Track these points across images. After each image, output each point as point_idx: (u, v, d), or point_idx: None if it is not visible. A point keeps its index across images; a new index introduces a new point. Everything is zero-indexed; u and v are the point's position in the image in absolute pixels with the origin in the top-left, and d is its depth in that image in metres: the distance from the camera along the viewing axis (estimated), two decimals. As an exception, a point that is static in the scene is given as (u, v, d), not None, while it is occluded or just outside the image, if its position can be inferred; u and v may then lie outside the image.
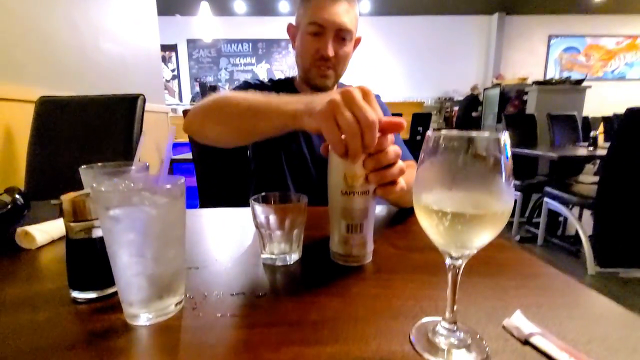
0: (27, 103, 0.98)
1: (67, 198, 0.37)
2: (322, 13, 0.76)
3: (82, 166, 0.45)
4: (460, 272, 0.29)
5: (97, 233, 0.38)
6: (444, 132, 0.26)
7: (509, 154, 0.24)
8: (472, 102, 6.17)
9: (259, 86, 0.89)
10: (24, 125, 0.93)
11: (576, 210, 2.49)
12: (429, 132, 0.26)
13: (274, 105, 0.49)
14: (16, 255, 0.51)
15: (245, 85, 0.88)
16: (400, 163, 0.41)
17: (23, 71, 1.09)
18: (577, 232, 2.16)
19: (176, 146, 2.89)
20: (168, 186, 0.32)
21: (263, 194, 0.51)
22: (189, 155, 2.42)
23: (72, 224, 0.37)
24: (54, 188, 0.89)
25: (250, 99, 0.54)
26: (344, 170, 0.42)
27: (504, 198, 0.24)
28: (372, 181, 0.41)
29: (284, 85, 0.92)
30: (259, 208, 0.46)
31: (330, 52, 0.78)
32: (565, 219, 2.72)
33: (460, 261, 0.28)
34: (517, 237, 2.59)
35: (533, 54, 6.88)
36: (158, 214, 0.32)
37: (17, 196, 0.59)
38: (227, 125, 0.59)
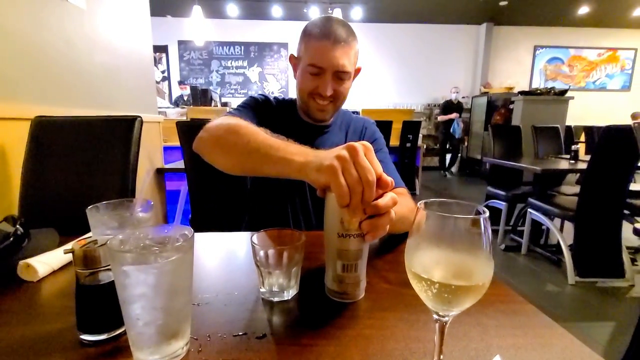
0: (21, 121, 0.97)
1: (78, 246, 0.39)
2: (321, 56, 0.78)
3: (88, 207, 0.47)
4: (447, 325, 0.32)
5: (106, 277, 0.40)
6: (432, 206, 0.29)
7: (489, 231, 0.27)
8: (447, 106, 6.18)
9: (264, 103, 0.91)
10: (18, 144, 0.93)
11: (558, 220, 2.59)
12: (420, 206, 0.29)
13: (281, 154, 0.52)
14: (19, 289, 0.52)
15: (252, 101, 0.90)
16: (392, 212, 0.45)
17: (16, 88, 1.08)
18: (559, 241, 2.25)
19: (166, 150, 2.86)
20: (179, 243, 0.34)
21: (262, 230, 0.53)
22: (180, 164, 2.42)
23: (82, 271, 0.39)
24: (50, 210, 0.89)
25: (259, 140, 0.56)
26: (341, 214, 0.45)
27: (484, 270, 0.28)
28: (364, 229, 0.44)
29: (287, 107, 0.94)
30: (258, 248, 0.49)
31: (329, 92, 0.81)
32: (548, 228, 2.82)
33: (446, 318, 0.31)
34: (502, 246, 2.67)
35: (519, 64, 7.07)
36: (169, 269, 0.34)
37: (17, 227, 0.60)
38: (234, 160, 0.62)
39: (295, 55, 0.87)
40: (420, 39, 6.91)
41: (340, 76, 0.81)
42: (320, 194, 0.49)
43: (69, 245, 0.40)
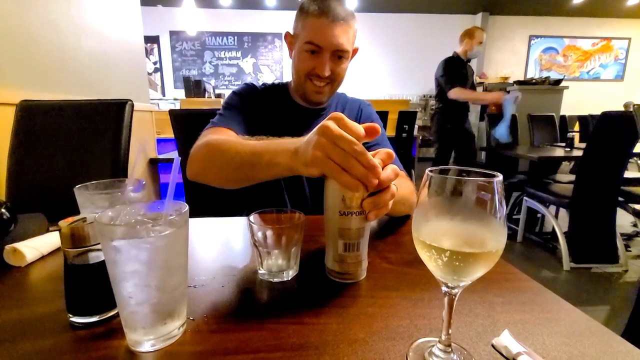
0: (6, 106, 0.94)
1: (65, 224, 0.36)
2: (319, 34, 0.75)
3: (77, 186, 0.45)
4: (456, 298, 0.31)
5: (96, 257, 0.38)
6: (442, 172, 0.27)
7: (503, 196, 0.26)
8: (456, 67, 2.88)
9: (249, 94, 0.87)
10: (4, 129, 0.89)
11: (553, 207, 2.61)
12: (428, 172, 0.28)
13: (267, 158, 0.51)
14: (5, 274, 0.50)
15: (233, 99, 0.86)
16: (393, 187, 0.43)
17: (1, 72, 1.04)
18: (554, 228, 2.26)
19: (160, 142, 2.81)
20: (172, 217, 0.32)
21: (260, 210, 0.52)
22: (175, 154, 2.38)
23: (70, 250, 0.37)
24: (38, 196, 0.86)
25: (241, 152, 0.56)
26: (343, 192, 0.43)
27: (497, 237, 0.26)
28: (366, 208, 0.42)
29: (278, 92, 0.91)
30: (257, 227, 0.47)
31: (327, 72, 0.78)
32: (543, 216, 2.84)
33: (456, 290, 0.30)
34: (498, 234, 2.68)
35: (515, 54, 7.05)
36: (162, 244, 0.32)
37: (3, 210, 0.57)
38: (229, 178, 0.62)
39: (292, 33, 0.84)
40: (415, 29, 6.85)
41: (339, 56, 0.79)
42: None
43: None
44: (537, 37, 7.01)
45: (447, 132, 2.88)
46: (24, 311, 0.41)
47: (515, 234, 2.61)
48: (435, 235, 0.27)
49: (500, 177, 0.26)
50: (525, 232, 2.59)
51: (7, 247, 0.52)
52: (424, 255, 0.29)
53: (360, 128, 0.41)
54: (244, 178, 0.59)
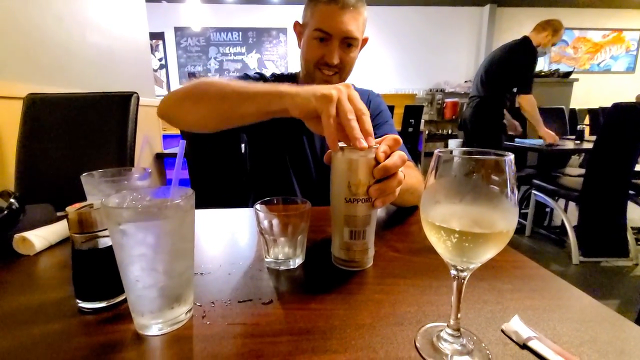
0: (13, 100, 0.95)
1: (72, 210, 0.37)
2: (329, 21, 0.74)
3: (84, 174, 0.45)
4: (465, 282, 0.31)
5: (103, 243, 0.38)
6: (452, 152, 0.27)
7: (514, 176, 0.25)
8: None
9: (259, 80, 0.87)
10: (11, 123, 0.90)
11: (562, 201, 2.57)
12: (437, 152, 0.27)
13: (259, 89, 0.51)
14: (15, 262, 0.51)
15: (245, 77, 0.85)
16: (400, 174, 0.43)
17: (7, 67, 1.05)
18: (563, 222, 2.23)
19: (166, 137, 2.84)
20: (178, 200, 0.32)
21: (267, 199, 0.51)
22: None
23: (78, 236, 0.37)
24: (46, 188, 0.87)
25: (237, 84, 0.55)
26: (348, 178, 0.43)
27: (508, 217, 0.26)
28: (372, 195, 0.42)
29: (286, 81, 0.90)
30: (263, 215, 0.47)
31: (336, 60, 0.77)
32: (552, 210, 2.79)
33: (465, 273, 0.29)
34: (505, 229, 2.66)
35: (523, 46, 6.93)
36: (169, 228, 0.32)
37: (12, 200, 0.58)
38: (208, 107, 0.57)
39: (301, 22, 0.83)
40: (422, 22, 6.76)
41: (348, 43, 0.78)
42: (327, 160, 0.47)
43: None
44: (546, 28, 6.87)
45: (502, 130, 2.52)
46: (33, 298, 0.41)
47: (524, 228, 2.58)
48: (444, 216, 0.27)
49: (511, 155, 0.25)
50: (533, 226, 2.56)
51: (17, 236, 0.53)
52: (432, 237, 0.29)
53: (365, 108, 0.44)
54: (225, 110, 0.54)
